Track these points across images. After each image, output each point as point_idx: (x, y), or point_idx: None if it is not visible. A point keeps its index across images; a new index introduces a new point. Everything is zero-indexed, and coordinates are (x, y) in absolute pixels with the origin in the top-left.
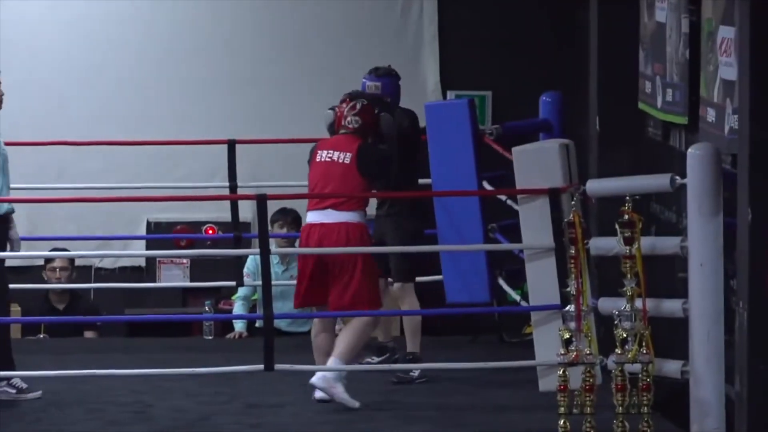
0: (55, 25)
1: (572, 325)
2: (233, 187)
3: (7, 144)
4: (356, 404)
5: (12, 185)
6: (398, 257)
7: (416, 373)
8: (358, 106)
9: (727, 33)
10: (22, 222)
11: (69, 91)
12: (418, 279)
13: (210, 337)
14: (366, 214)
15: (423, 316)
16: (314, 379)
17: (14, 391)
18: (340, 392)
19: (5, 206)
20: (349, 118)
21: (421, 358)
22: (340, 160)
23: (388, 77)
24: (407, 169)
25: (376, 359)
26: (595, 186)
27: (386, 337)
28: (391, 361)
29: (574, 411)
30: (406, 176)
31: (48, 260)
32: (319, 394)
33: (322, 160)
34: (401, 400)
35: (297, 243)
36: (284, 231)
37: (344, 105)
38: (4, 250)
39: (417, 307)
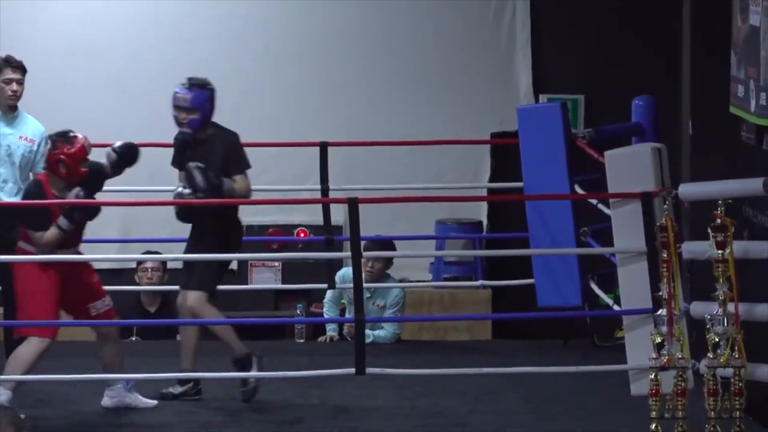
0: (154, 27)
1: (664, 329)
2: (325, 190)
3: (101, 145)
4: (153, 403)
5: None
6: (203, 265)
7: (177, 390)
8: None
9: None
10: (116, 224)
11: (163, 93)
12: (511, 282)
13: (302, 341)
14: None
15: (515, 320)
16: (104, 401)
17: None
18: (134, 399)
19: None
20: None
21: (193, 371)
22: None
23: (199, 89)
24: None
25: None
26: (688, 190)
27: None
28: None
29: (666, 415)
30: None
31: (140, 261)
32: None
33: None
34: (494, 403)
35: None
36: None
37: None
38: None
39: (219, 316)
